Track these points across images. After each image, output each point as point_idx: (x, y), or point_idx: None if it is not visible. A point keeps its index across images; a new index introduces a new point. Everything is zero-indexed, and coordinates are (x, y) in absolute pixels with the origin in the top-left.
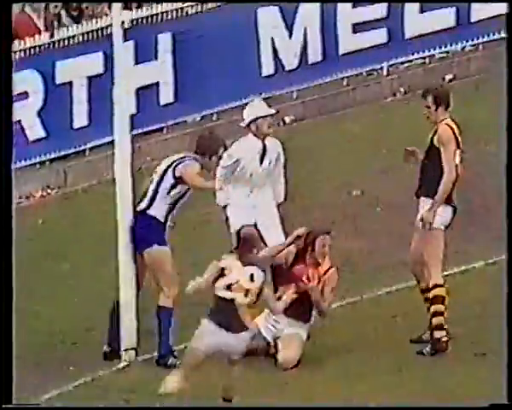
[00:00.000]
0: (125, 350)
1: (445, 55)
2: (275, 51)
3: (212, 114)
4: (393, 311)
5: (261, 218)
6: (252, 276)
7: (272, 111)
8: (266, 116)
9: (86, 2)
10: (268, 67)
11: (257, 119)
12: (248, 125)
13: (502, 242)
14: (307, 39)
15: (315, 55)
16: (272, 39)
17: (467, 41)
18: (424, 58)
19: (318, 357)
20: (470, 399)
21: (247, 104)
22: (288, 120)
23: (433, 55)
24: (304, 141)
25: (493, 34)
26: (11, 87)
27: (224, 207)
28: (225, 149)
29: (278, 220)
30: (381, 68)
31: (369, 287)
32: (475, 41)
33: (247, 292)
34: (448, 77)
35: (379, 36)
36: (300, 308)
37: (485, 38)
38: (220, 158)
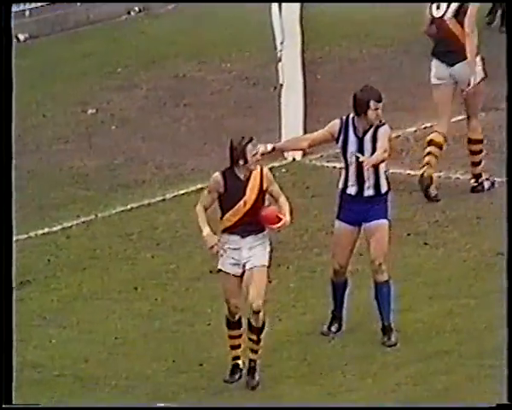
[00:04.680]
0: None
1: None
2: None
3: None
4: (127, 229)
5: None
6: None
7: None
8: None
9: (84, 1)
10: None
11: None
12: None
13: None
14: None
15: None
16: None
17: None
18: None
19: (54, 275)
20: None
21: None
22: (21, 37)
23: None
24: (38, 59)
25: None
26: (11, 86)
27: None
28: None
29: None
30: None
31: (103, 205)
32: None
33: None
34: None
35: None
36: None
37: None
38: None
